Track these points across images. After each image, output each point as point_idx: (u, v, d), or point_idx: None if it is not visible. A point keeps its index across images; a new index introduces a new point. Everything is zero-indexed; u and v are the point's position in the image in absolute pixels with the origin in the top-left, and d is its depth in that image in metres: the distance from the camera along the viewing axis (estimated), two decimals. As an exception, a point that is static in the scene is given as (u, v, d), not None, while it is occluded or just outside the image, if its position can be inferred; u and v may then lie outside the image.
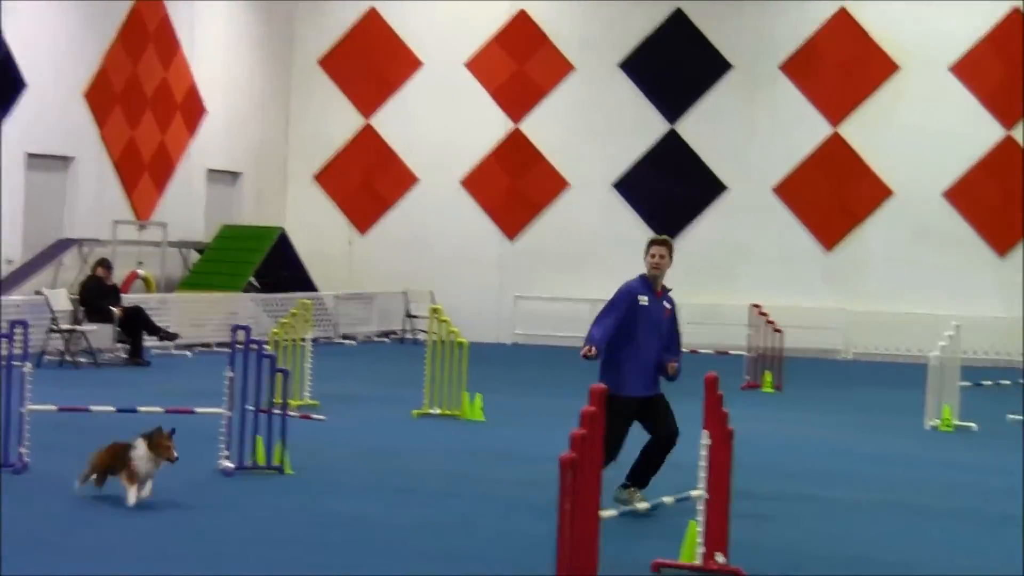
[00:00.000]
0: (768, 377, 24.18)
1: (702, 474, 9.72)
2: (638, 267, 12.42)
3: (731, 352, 26.85)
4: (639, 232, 32.90)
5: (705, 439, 9.74)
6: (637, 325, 12.12)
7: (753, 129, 33.57)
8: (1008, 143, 31.88)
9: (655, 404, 12.23)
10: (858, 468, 15.48)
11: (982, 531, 12.09)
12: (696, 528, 9.83)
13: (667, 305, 12.34)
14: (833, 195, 33.04)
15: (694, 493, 9.75)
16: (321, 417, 18.00)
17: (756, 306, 25.53)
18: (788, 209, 33.32)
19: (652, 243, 12.35)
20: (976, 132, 32.03)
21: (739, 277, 33.00)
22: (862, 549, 11.16)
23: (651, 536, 10.62)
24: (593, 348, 11.90)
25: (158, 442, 11.51)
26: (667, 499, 9.81)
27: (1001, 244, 32.02)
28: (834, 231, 33.21)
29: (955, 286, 31.73)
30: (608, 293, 12.53)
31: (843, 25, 32.95)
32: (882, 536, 11.77)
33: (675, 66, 33.87)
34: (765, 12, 33.48)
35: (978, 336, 28.86)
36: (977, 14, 32.03)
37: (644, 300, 12.18)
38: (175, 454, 11.56)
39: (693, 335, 31.62)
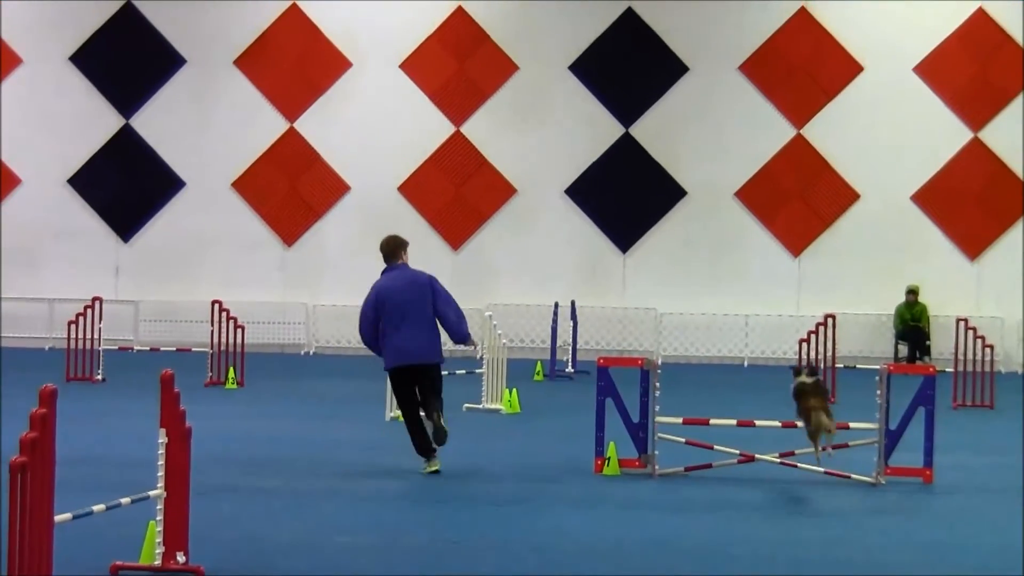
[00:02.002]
0: (231, 373, 24.19)
1: (160, 473, 9.62)
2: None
3: (194, 349, 26.65)
4: (95, 227, 32.17)
5: (162, 437, 9.65)
6: None
7: (208, 123, 33.45)
8: (457, 137, 33.04)
9: None
10: (319, 456, 15.73)
11: (442, 508, 12.50)
12: (155, 528, 9.73)
13: None
14: (291, 189, 33.34)
15: (152, 493, 9.64)
16: None
17: (217, 302, 25.45)
18: (246, 204, 33.39)
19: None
20: (428, 127, 33.06)
21: (200, 273, 32.79)
22: (318, 533, 11.33)
23: (110, 539, 10.41)
24: None
25: None
26: (125, 500, 9.63)
27: (454, 239, 33.16)
28: (295, 226, 33.49)
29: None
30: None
31: (295, 21, 33.34)
32: (336, 518, 12.01)
33: (124, 59, 33.39)
34: (219, 4, 33.50)
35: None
36: None
37: None
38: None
39: (155, 333, 31.48)
